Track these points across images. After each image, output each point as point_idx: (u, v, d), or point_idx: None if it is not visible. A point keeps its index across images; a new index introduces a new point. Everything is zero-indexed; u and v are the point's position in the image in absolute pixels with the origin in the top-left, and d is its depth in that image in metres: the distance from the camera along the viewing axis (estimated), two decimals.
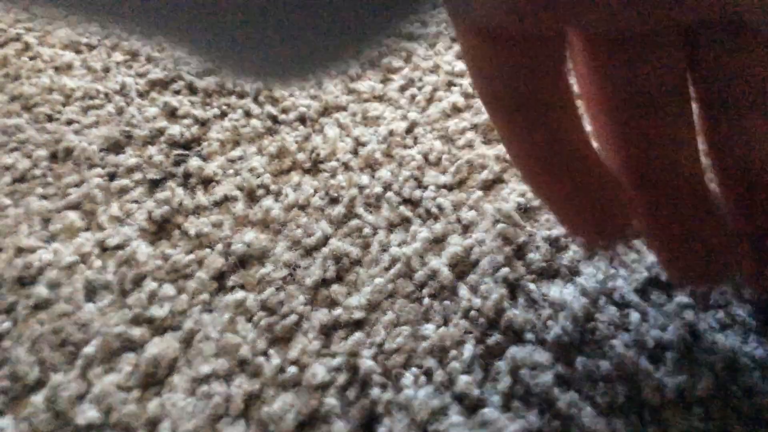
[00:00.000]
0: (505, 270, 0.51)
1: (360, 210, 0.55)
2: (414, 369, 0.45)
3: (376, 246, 0.53)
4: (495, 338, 0.47)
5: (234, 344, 0.46)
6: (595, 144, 0.40)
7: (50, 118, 0.64)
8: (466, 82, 0.68)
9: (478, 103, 0.66)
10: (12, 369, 0.44)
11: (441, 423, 0.42)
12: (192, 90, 0.67)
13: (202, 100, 0.66)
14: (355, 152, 0.61)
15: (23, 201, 0.55)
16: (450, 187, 0.58)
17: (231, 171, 0.58)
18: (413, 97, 0.67)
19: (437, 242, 0.53)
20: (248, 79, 0.66)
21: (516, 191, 0.57)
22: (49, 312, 0.47)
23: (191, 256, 0.52)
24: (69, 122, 0.63)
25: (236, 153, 0.60)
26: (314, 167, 0.60)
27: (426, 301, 0.49)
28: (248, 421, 0.42)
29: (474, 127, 0.64)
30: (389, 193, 0.57)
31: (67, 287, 0.49)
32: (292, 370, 0.45)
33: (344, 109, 0.66)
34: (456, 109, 0.66)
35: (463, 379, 0.44)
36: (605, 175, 0.39)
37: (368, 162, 0.60)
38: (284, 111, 0.65)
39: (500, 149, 0.61)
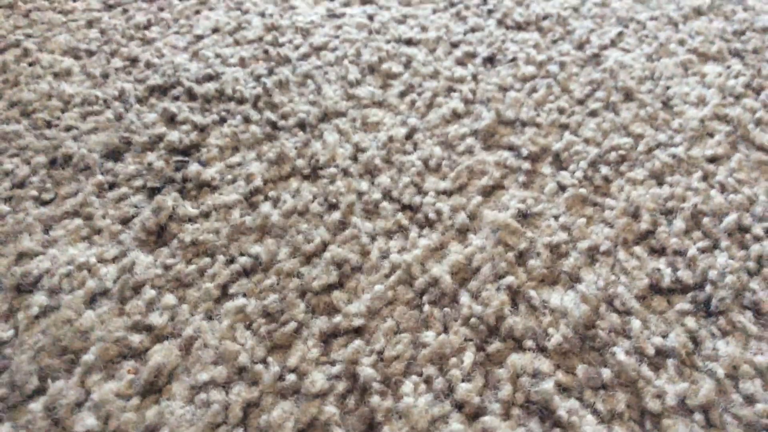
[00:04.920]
0: (506, 277, 0.51)
1: (359, 216, 0.55)
2: (414, 376, 0.45)
3: (376, 252, 0.53)
4: (495, 345, 0.47)
5: (233, 351, 0.46)
6: None
7: (49, 125, 0.63)
8: (466, 87, 0.68)
9: (478, 108, 0.66)
10: (11, 376, 0.44)
11: (441, 431, 0.42)
12: (191, 96, 0.67)
13: (201, 106, 0.66)
14: (354, 158, 0.61)
15: (22, 207, 0.55)
16: (450, 193, 0.58)
17: (230, 177, 0.58)
18: (413, 102, 0.67)
19: (438, 249, 0.53)
20: None
21: (516, 197, 0.57)
22: (50, 319, 0.47)
23: (191, 266, 0.51)
24: (68, 128, 0.63)
25: (235, 159, 0.60)
26: (313, 173, 0.60)
27: (426, 308, 0.49)
28: (247, 429, 0.42)
29: (474, 132, 0.64)
30: (388, 200, 0.57)
31: (67, 294, 0.49)
32: (291, 377, 0.44)
33: (344, 114, 0.66)
34: (456, 115, 0.66)
35: (464, 387, 0.44)
36: None
37: (368, 168, 0.60)
38: (283, 117, 0.65)
39: (500, 155, 0.61)
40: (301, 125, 0.64)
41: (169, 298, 0.49)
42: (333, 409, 0.43)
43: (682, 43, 0.76)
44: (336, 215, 0.55)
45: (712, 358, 0.46)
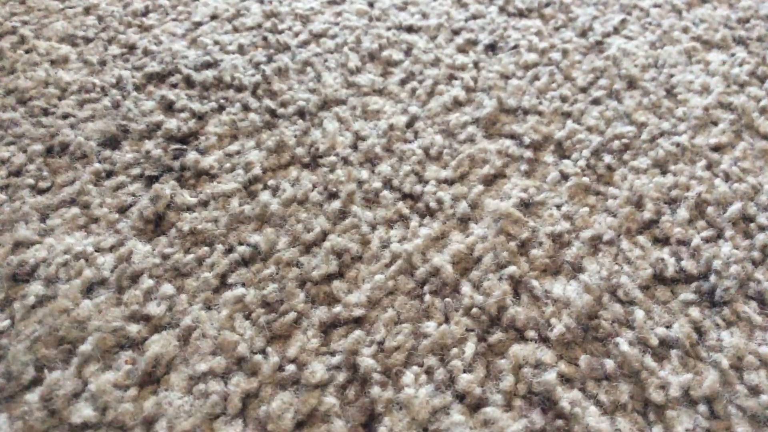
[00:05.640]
0: (508, 267, 0.50)
1: (359, 205, 0.55)
2: (415, 367, 0.45)
3: (377, 242, 0.52)
4: (497, 336, 0.46)
5: (232, 342, 0.45)
6: None
7: (46, 112, 0.63)
8: (467, 75, 0.68)
9: (479, 96, 0.65)
10: (7, 367, 0.44)
11: (442, 422, 0.42)
12: (189, 83, 0.67)
13: (199, 94, 0.65)
14: (354, 146, 0.60)
15: (18, 196, 0.55)
16: (451, 182, 0.57)
17: (228, 165, 0.58)
18: (414, 90, 0.67)
19: (439, 239, 0.53)
20: None
21: (518, 186, 0.57)
22: (47, 309, 0.47)
23: (190, 255, 0.51)
24: (65, 116, 0.62)
25: (234, 147, 0.60)
26: (313, 162, 0.59)
27: (427, 298, 0.48)
28: (246, 420, 0.42)
29: (475, 121, 0.63)
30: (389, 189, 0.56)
31: (64, 284, 0.48)
32: (291, 368, 0.44)
33: (344, 102, 0.65)
34: (457, 103, 0.65)
35: (465, 378, 0.44)
36: None
37: (368, 156, 0.59)
38: (283, 104, 0.64)
39: (502, 143, 0.60)
40: (301, 113, 0.63)
41: (167, 288, 0.48)
42: (333, 400, 0.43)
43: (685, 30, 0.75)
44: (336, 204, 0.54)
45: (716, 349, 0.46)
